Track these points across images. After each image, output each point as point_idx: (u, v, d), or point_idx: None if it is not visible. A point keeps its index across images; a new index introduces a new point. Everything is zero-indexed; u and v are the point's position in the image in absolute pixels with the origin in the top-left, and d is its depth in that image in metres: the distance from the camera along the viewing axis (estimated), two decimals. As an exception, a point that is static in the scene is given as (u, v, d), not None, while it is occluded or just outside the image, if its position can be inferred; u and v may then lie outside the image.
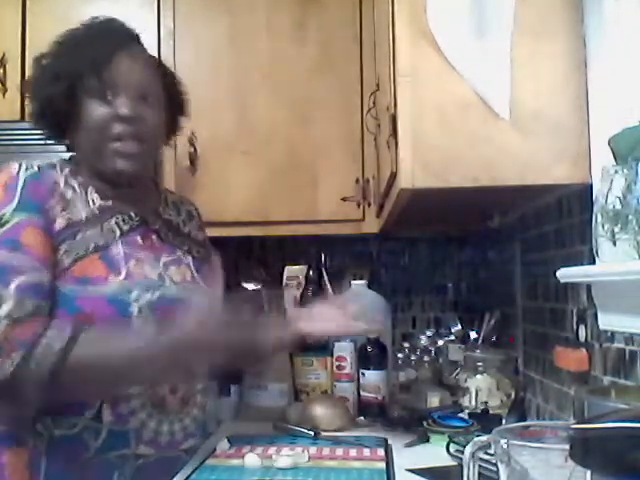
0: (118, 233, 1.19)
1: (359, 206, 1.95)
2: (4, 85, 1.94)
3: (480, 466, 0.77)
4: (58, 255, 1.11)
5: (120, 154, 1.18)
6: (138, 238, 1.22)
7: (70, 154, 1.27)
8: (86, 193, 1.20)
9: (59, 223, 1.12)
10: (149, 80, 1.22)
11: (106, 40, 1.19)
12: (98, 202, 1.20)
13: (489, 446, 0.74)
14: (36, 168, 1.15)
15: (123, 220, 1.21)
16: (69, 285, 1.10)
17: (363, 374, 1.71)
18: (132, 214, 1.23)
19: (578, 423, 0.65)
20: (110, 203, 1.21)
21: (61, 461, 1.11)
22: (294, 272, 2.01)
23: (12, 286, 1.03)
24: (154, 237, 1.26)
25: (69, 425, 1.10)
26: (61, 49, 1.20)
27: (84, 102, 1.18)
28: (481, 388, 1.66)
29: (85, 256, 1.12)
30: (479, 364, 1.70)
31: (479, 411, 1.60)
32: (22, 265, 1.06)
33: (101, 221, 1.18)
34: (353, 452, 1.31)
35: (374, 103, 1.72)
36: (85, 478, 1.11)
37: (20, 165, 1.14)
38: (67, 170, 1.20)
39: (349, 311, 1.29)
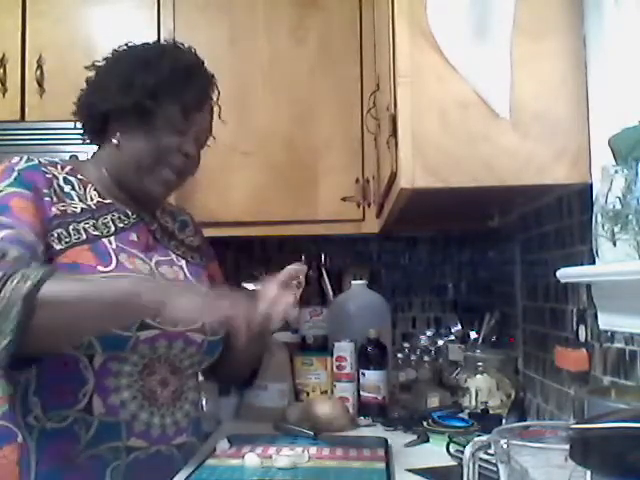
0: (112, 229, 1.21)
1: (359, 206, 1.95)
2: (4, 85, 1.94)
3: (480, 466, 0.77)
4: (48, 238, 1.11)
5: (162, 181, 1.23)
6: (133, 235, 1.24)
7: (74, 154, 1.28)
8: (85, 189, 1.22)
9: (53, 211, 1.14)
10: (210, 128, 1.30)
11: (199, 82, 1.24)
12: (96, 199, 1.22)
13: (489, 446, 0.74)
14: (36, 161, 1.18)
15: (119, 218, 1.23)
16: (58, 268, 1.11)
17: (363, 374, 1.71)
18: (129, 212, 1.25)
19: (578, 423, 0.65)
20: (108, 201, 1.23)
21: (52, 456, 1.10)
22: (294, 272, 2.00)
23: None
24: (149, 237, 1.27)
25: (60, 418, 1.10)
26: (146, 63, 1.20)
27: (158, 122, 1.19)
28: (481, 388, 1.66)
29: (76, 245, 1.14)
30: (479, 364, 1.70)
31: (479, 411, 1.60)
32: (8, 222, 1.07)
33: (97, 216, 1.20)
34: (353, 452, 1.31)
35: (374, 103, 1.72)
36: (77, 474, 1.11)
37: (21, 157, 1.17)
38: (68, 168, 1.23)
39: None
